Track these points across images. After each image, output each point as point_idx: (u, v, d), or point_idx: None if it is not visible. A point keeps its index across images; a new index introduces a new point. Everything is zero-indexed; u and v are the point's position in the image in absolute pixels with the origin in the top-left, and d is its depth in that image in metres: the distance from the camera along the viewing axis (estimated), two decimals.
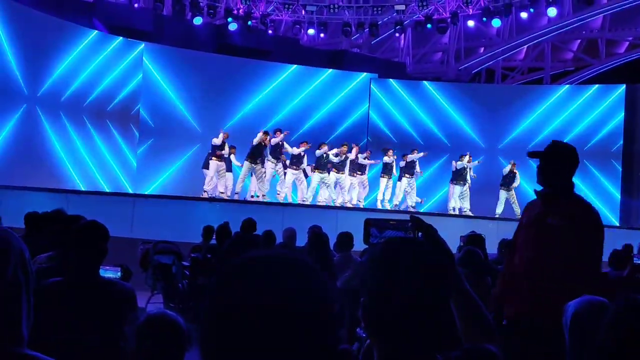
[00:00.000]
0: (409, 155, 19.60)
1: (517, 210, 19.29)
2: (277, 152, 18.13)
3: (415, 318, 1.78)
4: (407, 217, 2.27)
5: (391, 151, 19.61)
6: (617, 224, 20.91)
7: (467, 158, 19.54)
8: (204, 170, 18.45)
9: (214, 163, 17.96)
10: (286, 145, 18.34)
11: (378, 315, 1.81)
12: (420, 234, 2.18)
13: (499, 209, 19.41)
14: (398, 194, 19.62)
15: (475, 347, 2.06)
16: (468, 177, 19.49)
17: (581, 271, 4.35)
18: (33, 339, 3.55)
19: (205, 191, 17.89)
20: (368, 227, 2.29)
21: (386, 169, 19.45)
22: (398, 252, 1.85)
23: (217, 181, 18.14)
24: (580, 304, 2.68)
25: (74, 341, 3.62)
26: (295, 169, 18.21)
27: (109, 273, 4.62)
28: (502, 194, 19.52)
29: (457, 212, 19.34)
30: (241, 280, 1.25)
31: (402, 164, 19.62)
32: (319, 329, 1.23)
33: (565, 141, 4.95)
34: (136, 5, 21.51)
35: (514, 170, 19.59)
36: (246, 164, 17.77)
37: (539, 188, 4.80)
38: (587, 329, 2.53)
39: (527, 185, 21.70)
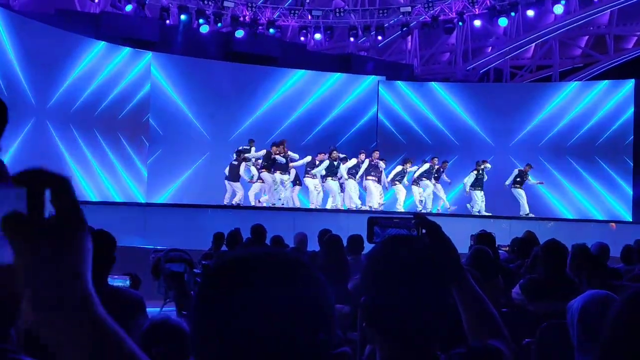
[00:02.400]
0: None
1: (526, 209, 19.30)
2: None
3: (415, 315, 1.77)
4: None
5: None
6: (630, 219, 20.81)
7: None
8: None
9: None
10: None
11: (378, 314, 1.80)
12: (424, 231, 2.16)
13: (526, 208, 19.41)
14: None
15: (480, 344, 2.04)
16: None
17: None
18: (41, 348, 3.56)
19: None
20: (372, 226, 2.28)
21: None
22: (396, 249, 1.84)
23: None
24: (586, 299, 2.67)
25: None
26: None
27: (118, 282, 4.63)
28: (519, 192, 19.51)
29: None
30: (229, 277, 1.23)
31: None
32: (311, 328, 1.19)
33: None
34: (143, 15, 21.59)
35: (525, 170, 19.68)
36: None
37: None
38: (594, 322, 2.51)
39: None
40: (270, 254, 1.27)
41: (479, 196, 19.55)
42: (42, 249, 0.93)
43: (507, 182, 19.65)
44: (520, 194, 19.53)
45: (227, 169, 18.67)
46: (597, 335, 2.32)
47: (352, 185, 18.95)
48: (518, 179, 19.60)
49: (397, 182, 19.35)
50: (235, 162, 18.53)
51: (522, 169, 19.81)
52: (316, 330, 1.19)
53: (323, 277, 1.27)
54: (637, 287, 2.13)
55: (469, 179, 19.66)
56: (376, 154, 19.37)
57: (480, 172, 19.52)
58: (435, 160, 19.87)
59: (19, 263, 0.93)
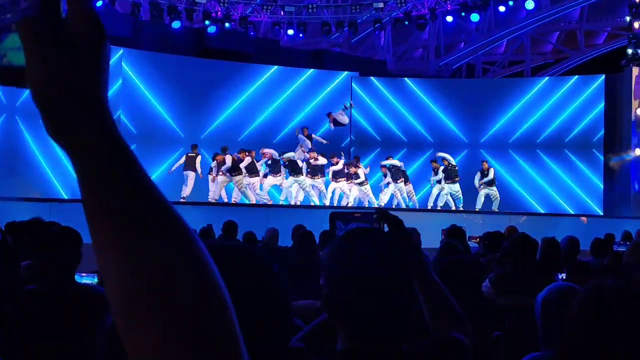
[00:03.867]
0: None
1: (496, 207, 19.25)
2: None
3: (376, 306, 1.78)
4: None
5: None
6: (601, 213, 21.01)
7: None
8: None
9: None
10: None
11: (339, 305, 1.80)
12: (385, 225, 2.17)
13: (479, 205, 19.36)
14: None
15: (443, 337, 2.05)
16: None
17: None
18: (10, 344, 3.53)
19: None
20: (334, 221, 2.27)
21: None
22: (356, 242, 1.84)
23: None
24: (550, 291, 2.69)
25: (49, 346, 3.60)
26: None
27: (86, 279, 4.61)
28: (483, 191, 19.43)
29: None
30: None
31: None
32: (261, 322, 1.17)
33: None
34: (115, 11, 21.45)
35: (486, 168, 19.50)
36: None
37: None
38: (554, 313, 2.54)
39: (511, 179, 21.83)
40: (222, 247, 1.25)
41: (446, 189, 19.44)
42: (59, 55, 0.84)
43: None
44: (481, 192, 19.47)
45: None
46: (559, 327, 2.34)
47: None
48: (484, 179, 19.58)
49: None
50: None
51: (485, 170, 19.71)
52: (268, 326, 1.16)
53: (274, 270, 1.25)
54: (599, 281, 2.15)
55: (439, 177, 19.58)
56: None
57: (450, 165, 19.42)
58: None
59: (31, 72, 0.85)
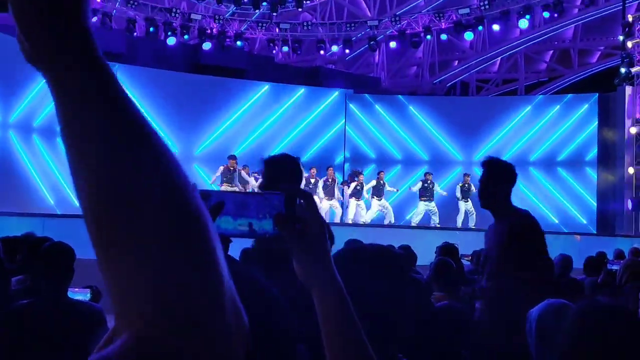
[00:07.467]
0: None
1: (472, 223, 19.33)
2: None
3: (368, 315, 1.76)
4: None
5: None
6: (594, 232, 21.03)
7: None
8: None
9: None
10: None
11: None
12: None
13: (460, 220, 19.55)
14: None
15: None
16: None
17: None
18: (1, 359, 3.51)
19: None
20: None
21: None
22: (352, 247, 1.83)
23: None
24: (543, 308, 2.69)
25: None
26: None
27: (78, 295, 4.59)
28: (462, 206, 19.64)
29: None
30: None
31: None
32: (264, 346, 1.14)
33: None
34: (110, 27, 21.50)
35: (468, 182, 19.68)
36: None
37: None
38: (550, 331, 2.53)
39: None
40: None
41: (421, 206, 19.64)
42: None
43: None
44: (460, 207, 19.71)
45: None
46: (553, 344, 2.34)
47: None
48: (462, 193, 19.75)
49: (374, 197, 19.50)
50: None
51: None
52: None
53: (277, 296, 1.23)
54: (591, 300, 2.16)
55: (416, 187, 19.83)
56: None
57: (428, 182, 19.64)
58: (382, 175, 19.94)
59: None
